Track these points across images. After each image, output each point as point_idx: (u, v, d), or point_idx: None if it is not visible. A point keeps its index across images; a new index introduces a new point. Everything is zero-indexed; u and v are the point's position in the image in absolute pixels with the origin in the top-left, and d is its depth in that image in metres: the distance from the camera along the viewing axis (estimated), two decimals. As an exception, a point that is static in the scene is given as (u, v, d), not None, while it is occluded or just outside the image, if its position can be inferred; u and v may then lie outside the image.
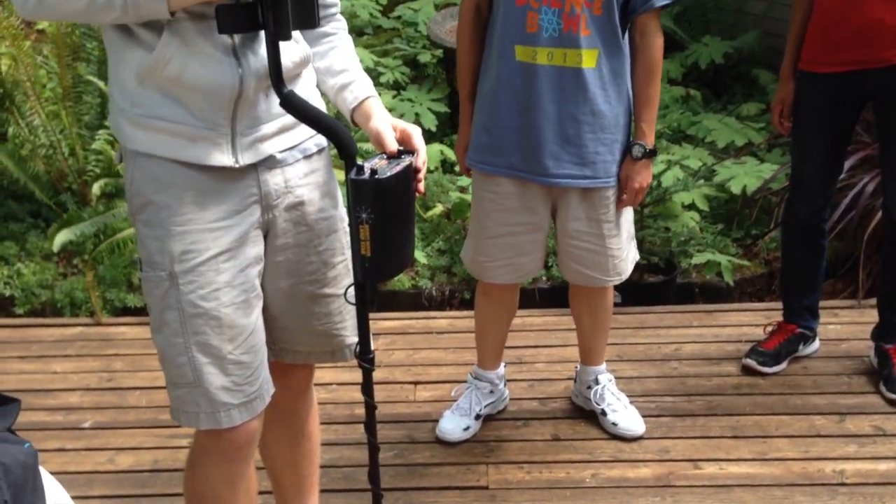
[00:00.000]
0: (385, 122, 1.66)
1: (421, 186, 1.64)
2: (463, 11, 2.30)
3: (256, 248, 1.66)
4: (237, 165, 1.58)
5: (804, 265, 2.89)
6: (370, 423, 1.82)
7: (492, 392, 2.66)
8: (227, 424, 1.65)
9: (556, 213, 2.34)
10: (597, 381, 2.64)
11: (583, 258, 2.35)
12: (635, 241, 2.48)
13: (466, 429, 2.61)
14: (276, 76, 1.52)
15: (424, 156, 1.65)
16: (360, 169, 1.54)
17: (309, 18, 1.50)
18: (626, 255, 2.40)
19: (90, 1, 1.42)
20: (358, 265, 1.61)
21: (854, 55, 2.53)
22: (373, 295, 1.68)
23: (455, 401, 2.68)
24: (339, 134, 1.59)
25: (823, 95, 2.64)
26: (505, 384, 2.73)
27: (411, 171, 1.61)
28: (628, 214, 2.39)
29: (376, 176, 1.53)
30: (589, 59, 2.15)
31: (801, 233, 2.86)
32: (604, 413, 2.61)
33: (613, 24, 2.15)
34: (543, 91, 2.17)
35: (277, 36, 1.48)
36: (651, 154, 2.28)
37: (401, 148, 1.63)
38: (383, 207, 1.55)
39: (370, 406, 1.80)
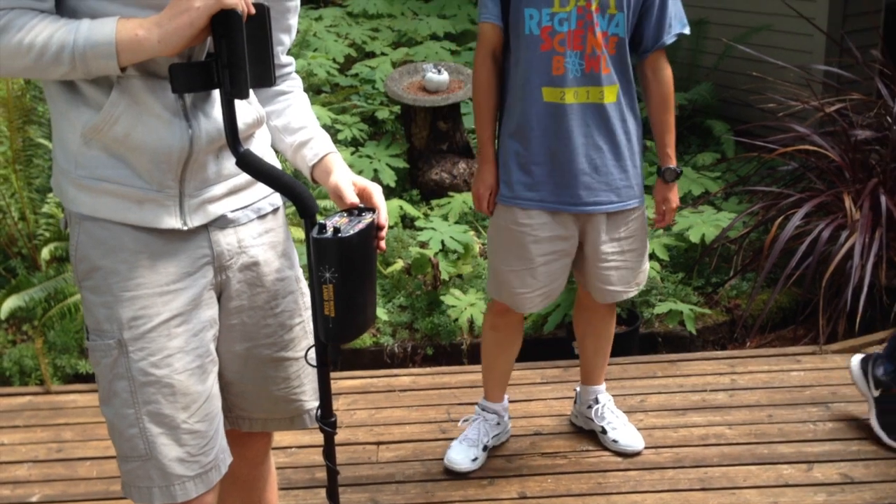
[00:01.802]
0: (345, 177, 1.63)
1: (383, 244, 1.60)
2: (479, 59, 2.39)
3: (210, 310, 1.60)
4: (185, 228, 1.53)
5: None
6: (332, 489, 1.75)
7: (498, 424, 2.72)
8: (183, 498, 1.56)
9: (585, 238, 2.43)
10: (597, 401, 2.74)
11: (611, 277, 2.47)
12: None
13: (474, 459, 2.64)
14: (233, 135, 1.47)
15: (386, 213, 1.63)
16: (322, 227, 1.50)
17: (265, 76, 1.47)
18: (644, 268, 2.55)
19: (38, 56, 1.37)
20: (320, 326, 1.56)
21: None
22: (336, 356, 1.62)
23: (462, 429, 2.73)
24: (298, 192, 1.55)
25: None
26: (508, 417, 2.78)
27: (374, 229, 1.57)
28: (645, 231, 2.53)
29: (339, 234, 1.49)
30: (610, 95, 2.30)
31: None
32: (604, 431, 2.72)
33: (626, 61, 2.31)
34: (572, 127, 2.31)
35: (234, 94, 1.45)
36: (680, 175, 2.48)
37: (360, 205, 1.60)
38: (347, 266, 1.51)
39: (332, 471, 1.72)
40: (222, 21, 1.38)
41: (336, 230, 1.49)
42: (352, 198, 1.59)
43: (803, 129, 3.86)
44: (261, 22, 1.43)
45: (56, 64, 1.38)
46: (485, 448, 2.67)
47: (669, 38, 2.35)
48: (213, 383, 1.60)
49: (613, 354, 3.09)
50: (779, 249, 3.44)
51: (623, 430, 2.71)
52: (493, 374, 2.69)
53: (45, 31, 1.36)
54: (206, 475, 1.58)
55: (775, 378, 3.10)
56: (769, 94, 4.22)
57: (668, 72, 2.41)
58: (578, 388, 2.81)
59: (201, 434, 1.57)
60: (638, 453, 2.67)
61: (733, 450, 2.71)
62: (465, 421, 2.76)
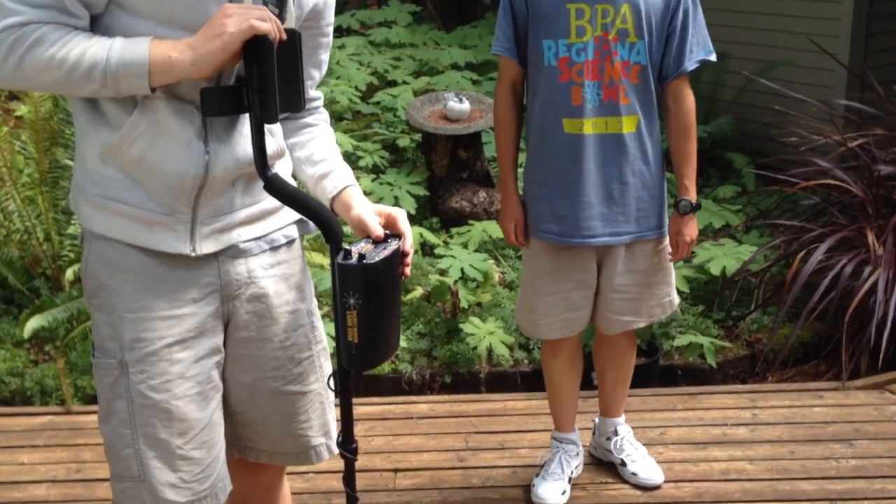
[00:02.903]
0: (367, 210, 1.62)
1: (408, 270, 1.60)
2: (498, 91, 2.42)
3: (214, 338, 1.60)
4: (194, 254, 1.53)
5: None
6: (352, 516, 1.74)
7: (577, 454, 2.70)
8: None
9: (602, 269, 2.42)
10: (616, 433, 2.70)
11: (621, 308, 2.45)
12: (675, 289, 2.57)
13: (564, 493, 2.62)
14: (261, 159, 1.49)
15: (411, 239, 1.63)
16: (348, 253, 1.50)
17: (295, 102, 1.49)
18: (663, 300, 2.50)
19: (69, 71, 1.38)
20: (343, 352, 1.56)
21: None
22: (358, 382, 1.63)
23: (540, 465, 2.71)
24: (325, 217, 1.56)
25: None
26: (581, 446, 2.76)
27: (399, 256, 1.57)
28: (668, 264, 2.49)
29: (364, 261, 1.49)
30: (629, 125, 2.29)
31: None
32: (623, 463, 2.68)
33: (649, 90, 2.30)
34: (590, 158, 2.30)
35: (263, 119, 1.46)
36: (696, 208, 2.41)
37: (387, 232, 1.60)
38: (371, 293, 1.51)
39: (352, 498, 1.72)
40: (255, 46, 1.40)
41: (361, 256, 1.49)
42: (378, 231, 1.58)
43: (825, 164, 3.85)
44: (292, 48, 1.45)
45: (87, 81, 1.40)
46: (569, 480, 2.65)
47: (691, 65, 2.31)
48: (213, 411, 1.60)
49: (633, 386, 3.07)
50: (801, 283, 3.42)
51: (642, 463, 2.68)
52: (562, 403, 2.66)
53: (79, 48, 1.38)
54: (199, 502, 1.58)
55: (797, 413, 3.07)
56: (791, 128, 4.22)
57: (689, 101, 2.37)
58: (597, 420, 2.78)
59: (197, 461, 1.56)
60: (657, 487, 2.65)
61: (755, 486, 2.68)
62: (541, 459, 2.74)
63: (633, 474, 2.65)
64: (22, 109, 4.52)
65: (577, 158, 2.30)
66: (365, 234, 1.60)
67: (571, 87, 2.25)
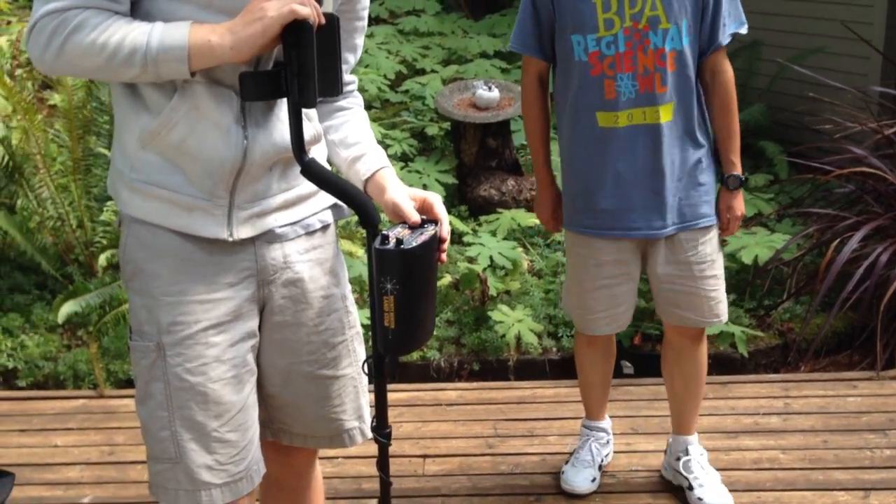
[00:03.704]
0: (402, 194, 1.61)
1: (444, 256, 1.59)
2: (525, 84, 2.39)
3: (250, 322, 1.60)
4: (231, 239, 1.54)
5: None
6: (384, 500, 1.74)
7: (607, 442, 2.67)
8: None
9: (647, 261, 2.38)
10: (686, 453, 2.55)
11: (677, 300, 2.37)
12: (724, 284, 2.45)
13: (593, 480, 2.59)
14: (298, 144, 1.49)
15: (448, 225, 1.61)
16: (385, 238, 1.49)
17: (333, 86, 1.48)
18: (723, 296, 2.40)
19: (110, 56, 1.39)
20: (380, 337, 1.55)
21: None
22: (394, 368, 1.62)
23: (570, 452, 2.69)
24: (362, 202, 1.55)
25: None
26: (612, 434, 2.72)
27: (436, 241, 1.56)
28: (720, 256, 2.40)
29: (402, 246, 1.48)
30: (666, 114, 2.23)
31: None
32: (690, 487, 2.51)
33: (687, 75, 2.23)
34: (627, 150, 2.25)
35: (301, 104, 1.46)
36: (744, 183, 2.36)
37: (423, 217, 1.59)
38: (409, 278, 1.50)
39: (385, 482, 1.72)
40: (294, 31, 1.40)
41: (399, 241, 1.49)
42: (414, 216, 1.57)
43: (860, 151, 3.79)
44: (331, 33, 1.45)
45: (127, 66, 1.40)
46: (600, 467, 2.62)
47: (725, 38, 2.24)
48: (248, 394, 1.61)
49: (658, 374, 3.06)
50: (835, 272, 3.38)
51: (711, 490, 2.48)
52: (594, 392, 2.64)
53: (119, 32, 1.39)
54: (234, 484, 1.58)
55: (831, 403, 3.03)
56: (825, 115, 4.15)
57: (728, 75, 2.29)
58: (671, 439, 2.62)
59: (232, 444, 1.57)
60: None
61: (787, 475, 2.65)
62: (570, 446, 2.71)
63: (699, 499, 2.46)
64: (55, 98, 4.58)
65: (613, 152, 2.25)
66: (400, 218, 1.59)
67: (604, 80, 2.20)
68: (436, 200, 1.62)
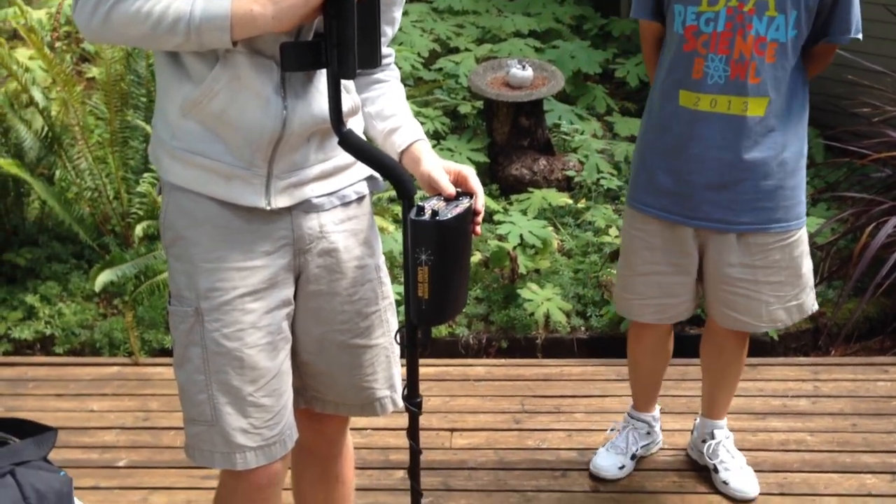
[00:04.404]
0: (437, 167, 1.63)
1: (478, 229, 1.61)
2: (645, 50, 2.32)
3: (286, 290, 1.64)
4: (269, 208, 1.57)
5: None
6: (414, 468, 1.77)
7: (648, 433, 2.63)
8: (242, 467, 1.61)
9: (705, 256, 2.27)
10: (713, 436, 2.55)
11: (735, 303, 2.28)
12: (812, 290, 2.35)
13: (622, 468, 2.58)
14: (336, 115, 1.51)
15: (483, 198, 1.63)
16: (421, 210, 1.51)
17: (372, 58, 1.49)
18: (788, 304, 2.29)
19: (155, 24, 1.42)
20: (413, 307, 1.58)
21: None
22: (427, 339, 1.65)
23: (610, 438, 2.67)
24: (398, 173, 1.57)
25: None
26: (660, 427, 2.69)
27: (470, 214, 1.58)
28: (793, 262, 2.26)
29: (437, 217, 1.50)
30: (756, 107, 2.09)
31: None
32: (716, 469, 2.52)
33: (786, 70, 2.08)
34: (704, 137, 2.14)
35: (341, 75, 1.48)
36: None
37: (458, 189, 1.60)
38: (443, 250, 1.52)
39: (415, 451, 1.75)
40: (336, 2, 1.42)
41: (434, 213, 1.51)
42: (448, 189, 1.59)
43: (898, 136, 3.74)
44: (371, 5, 1.46)
45: (171, 34, 1.43)
46: (633, 457, 2.59)
47: (843, 39, 2.08)
48: (283, 360, 1.64)
49: (692, 355, 3.07)
50: (869, 257, 3.34)
51: (736, 473, 2.49)
52: (638, 385, 2.60)
53: (164, 1, 1.41)
54: (268, 448, 1.62)
55: (861, 387, 3.02)
56: (863, 98, 4.10)
57: (823, 67, 2.20)
58: (698, 420, 2.63)
59: (267, 408, 1.61)
60: (751, 500, 2.46)
61: (815, 457, 2.65)
62: (612, 430, 2.67)
63: (724, 483, 2.48)
64: (94, 71, 4.63)
65: (689, 135, 2.15)
66: (435, 191, 1.61)
67: (694, 57, 2.09)
68: (470, 173, 1.64)
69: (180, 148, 1.55)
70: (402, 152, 1.68)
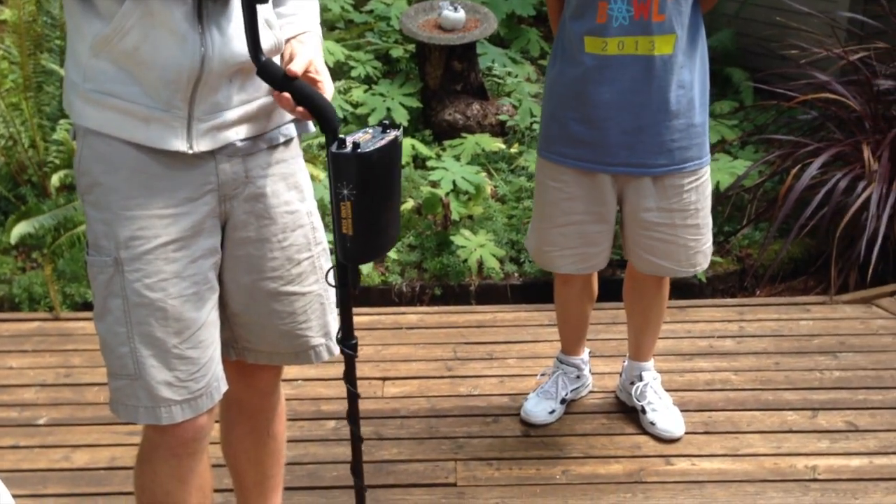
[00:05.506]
0: (303, 49, 1.55)
1: (297, 68, 1.49)
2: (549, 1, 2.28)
3: (211, 239, 1.58)
4: (191, 151, 1.50)
5: None
6: (353, 412, 1.74)
7: (578, 377, 2.65)
8: (168, 421, 1.57)
9: (624, 201, 2.27)
10: (640, 378, 2.58)
11: (654, 248, 2.28)
12: (710, 231, 2.37)
13: (552, 412, 2.59)
14: (254, 43, 1.43)
15: (330, 85, 1.56)
16: (342, 142, 1.46)
17: None
18: (703, 246, 2.33)
19: None
20: (339, 245, 1.53)
21: None
22: (355, 278, 1.60)
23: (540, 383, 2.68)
24: (320, 105, 1.51)
25: None
26: (589, 370, 2.70)
27: (397, 147, 1.53)
28: (706, 203, 2.29)
29: (358, 150, 1.45)
30: (663, 46, 2.08)
31: None
32: (643, 411, 2.56)
33: (688, 3, 2.08)
34: (613, 81, 2.12)
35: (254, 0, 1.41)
36: None
37: (385, 121, 1.56)
38: (366, 183, 1.48)
39: (353, 394, 1.71)
40: None
41: (356, 145, 1.46)
42: (292, 68, 1.48)
43: (824, 77, 3.79)
44: None
45: None
46: (562, 401, 2.60)
47: None
48: (209, 311, 1.59)
49: (622, 298, 3.11)
50: (793, 199, 3.40)
51: (663, 414, 2.53)
52: (567, 328, 2.60)
53: None
54: (194, 401, 1.58)
55: (784, 326, 3.09)
56: (792, 40, 4.13)
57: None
58: (626, 362, 2.66)
59: (192, 360, 1.57)
60: (676, 440, 2.50)
61: (738, 395, 2.71)
62: (542, 375, 2.69)
63: (652, 423, 2.52)
64: (5, 13, 4.41)
65: (599, 80, 2.12)
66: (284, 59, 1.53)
67: (598, 2, 2.06)
68: (307, 55, 1.54)
69: (93, 90, 1.47)
70: (288, 41, 1.61)
